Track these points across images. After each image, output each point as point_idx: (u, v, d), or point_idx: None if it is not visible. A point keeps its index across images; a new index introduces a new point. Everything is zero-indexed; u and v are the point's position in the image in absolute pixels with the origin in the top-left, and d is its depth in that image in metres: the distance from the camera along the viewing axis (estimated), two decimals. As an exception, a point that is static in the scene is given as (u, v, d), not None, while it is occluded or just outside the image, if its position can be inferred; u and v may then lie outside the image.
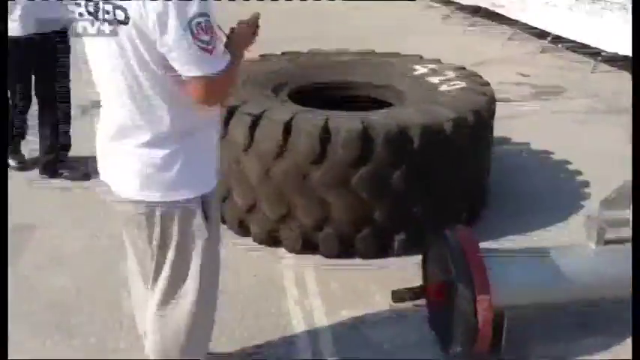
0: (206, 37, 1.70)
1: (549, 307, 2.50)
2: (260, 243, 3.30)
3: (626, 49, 6.03)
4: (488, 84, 3.68)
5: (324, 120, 3.03)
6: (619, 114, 5.27)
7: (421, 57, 4.18)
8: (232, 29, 2.00)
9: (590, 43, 6.45)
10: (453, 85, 3.56)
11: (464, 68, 3.92)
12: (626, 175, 4.05)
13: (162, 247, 1.99)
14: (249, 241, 3.32)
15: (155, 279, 2.06)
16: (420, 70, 3.89)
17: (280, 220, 3.18)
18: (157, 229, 1.96)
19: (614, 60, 6.40)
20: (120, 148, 1.94)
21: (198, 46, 1.69)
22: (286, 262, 3.20)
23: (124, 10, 1.72)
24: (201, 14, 1.68)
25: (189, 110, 1.87)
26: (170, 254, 2.00)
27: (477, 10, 8.38)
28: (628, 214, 2.48)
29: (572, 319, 2.72)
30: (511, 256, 2.49)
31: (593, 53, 6.55)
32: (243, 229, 3.34)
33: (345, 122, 3.02)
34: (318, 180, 3.02)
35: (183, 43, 1.69)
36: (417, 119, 3.07)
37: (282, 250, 3.26)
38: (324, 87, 3.92)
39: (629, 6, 5.92)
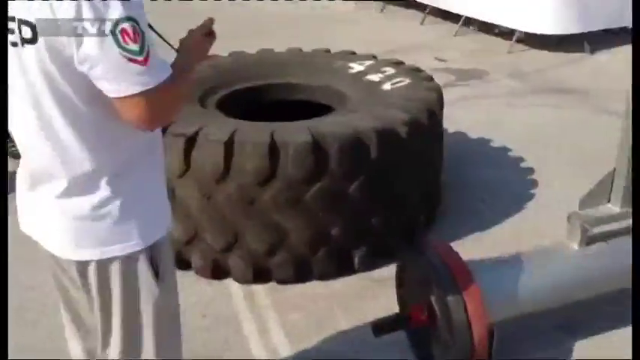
0: (135, 46, 1.34)
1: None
2: (203, 276, 2.95)
3: (541, 27, 6.10)
4: (432, 78, 3.48)
5: (270, 134, 2.71)
6: (545, 93, 5.29)
7: (354, 53, 3.93)
8: (181, 40, 1.66)
9: (503, 24, 6.46)
10: (397, 82, 3.33)
11: (402, 63, 3.70)
12: (567, 157, 4.05)
13: (105, 310, 1.64)
14: (190, 275, 2.95)
15: (103, 347, 1.71)
16: (356, 67, 3.63)
17: (226, 249, 2.84)
18: (95, 290, 1.61)
19: (528, 39, 6.43)
20: (38, 199, 1.58)
21: (126, 57, 1.34)
22: (237, 295, 2.87)
23: (31, 25, 1.35)
24: (126, 18, 1.33)
25: (118, 143, 1.52)
26: (115, 319, 1.65)
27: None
28: (609, 208, 2.36)
29: (553, 321, 2.58)
30: (496, 267, 2.30)
31: (506, 33, 6.57)
32: (181, 263, 2.95)
33: (294, 135, 2.71)
34: (267, 202, 2.71)
35: (107, 56, 1.33)
36: (371, 125, 2.80)
37: (230, 282, 2.93)
38: (254, 92, 3.60)
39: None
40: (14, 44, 1.40)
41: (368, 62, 3.71)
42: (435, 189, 3.29)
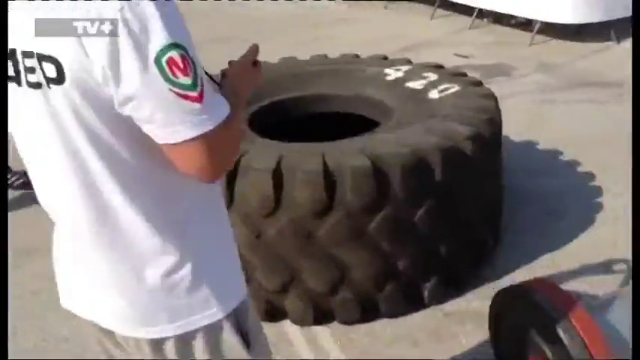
0: (186, 80, 1.06)
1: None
2: (257, 319, 2.65)
3: (562, 16, 5.82)
4: (480, 83, 3.19)
5: (322, 159, 2.41)
6: (580, 87, 5.00)
7: (386, 57, 3.63)
8: (224, 72, 1.39)
9: (521, 15, 6.18)
10: (444, 90, 3.04)
11: (442, 67, 3.41)
12: (625, 158, 3.76)
13: None
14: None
15: None
16: (393, 73, 3.34)
17: (282, 289, 2.55)
18: None
19: (547, 29, 6.15)
20: (87, 272, 1.30)
21: (177, 93, 1.05)
22: (299, 339, 2.58)
23: (56, 61, 1.06)
24: (173, 45, 1.04)
25: (179, 197, 1.24)
26: None
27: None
28: None
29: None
30: (612, 309, 2.00)
31: (524, 24, 6.29)
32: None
33: (349, 157, 2.41)
34: (325, 235, 2.41)
35: (153, 94, 1.05)
36: (433, 142, 2.51)
37: (287, 324, 2.63)
38: (284, 107, 3.30)
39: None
40: (37, 85, 1.10)
41: (405, 67, 3.41)
42: (498, 206, 3.00)
